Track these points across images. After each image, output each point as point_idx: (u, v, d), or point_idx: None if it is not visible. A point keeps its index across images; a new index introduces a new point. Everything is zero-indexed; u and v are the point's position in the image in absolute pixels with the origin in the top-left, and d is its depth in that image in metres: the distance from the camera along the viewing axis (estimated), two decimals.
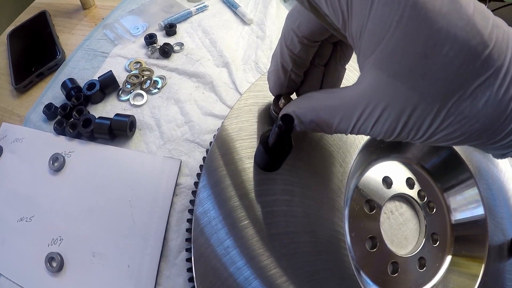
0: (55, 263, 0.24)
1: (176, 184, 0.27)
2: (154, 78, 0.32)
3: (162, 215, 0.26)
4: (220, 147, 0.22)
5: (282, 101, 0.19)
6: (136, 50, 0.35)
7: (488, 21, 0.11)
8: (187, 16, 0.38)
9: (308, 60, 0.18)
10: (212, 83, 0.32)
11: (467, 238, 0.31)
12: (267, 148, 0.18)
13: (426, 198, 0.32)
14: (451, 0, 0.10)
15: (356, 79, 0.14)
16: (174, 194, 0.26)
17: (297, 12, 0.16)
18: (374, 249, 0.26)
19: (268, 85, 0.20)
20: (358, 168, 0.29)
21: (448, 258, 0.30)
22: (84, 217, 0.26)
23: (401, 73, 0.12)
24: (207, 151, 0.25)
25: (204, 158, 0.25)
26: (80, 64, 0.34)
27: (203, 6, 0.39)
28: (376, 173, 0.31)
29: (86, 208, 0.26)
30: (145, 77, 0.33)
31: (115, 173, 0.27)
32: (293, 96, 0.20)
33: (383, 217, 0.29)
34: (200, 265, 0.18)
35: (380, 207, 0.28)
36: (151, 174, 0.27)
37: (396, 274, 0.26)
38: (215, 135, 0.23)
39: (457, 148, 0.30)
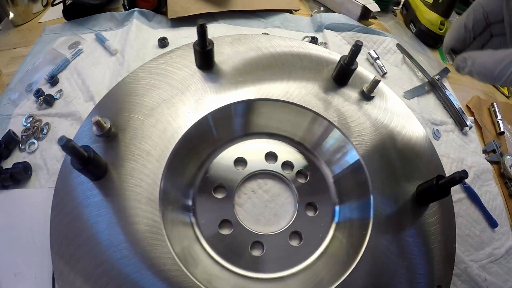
0: None
1: None
2: (41, 127, 0.41)
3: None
4: None
5: (454, 55, 0.28)
6: (30, 106, 0.44)
7: None
8: (65, 63, 0.46)
9: (478, 31, 0.28)
10: (81, 118, 0.40)
11: (350, 193, 0.33)
12: None
13: (294, 167, 0.35)
14: None
15: None
16: None
17: None
18: (230, 232, 0.31)
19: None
20: (190, 159, 0.33)
21: (333, 226, 0.32)
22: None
23: None
24: None
25: None
26: None
27: (78, 50, 0.47)
28: (227, 157, 0.35)
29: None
30: (35, 127, 0.42)
31: (16, 208, 0.37)
32: None
33: (242, 198, 0.34)
34: None
35: (232, 190, 0.33)
36: (41, 204, 0.36)
37: (262, 253, 0.30)
38: None
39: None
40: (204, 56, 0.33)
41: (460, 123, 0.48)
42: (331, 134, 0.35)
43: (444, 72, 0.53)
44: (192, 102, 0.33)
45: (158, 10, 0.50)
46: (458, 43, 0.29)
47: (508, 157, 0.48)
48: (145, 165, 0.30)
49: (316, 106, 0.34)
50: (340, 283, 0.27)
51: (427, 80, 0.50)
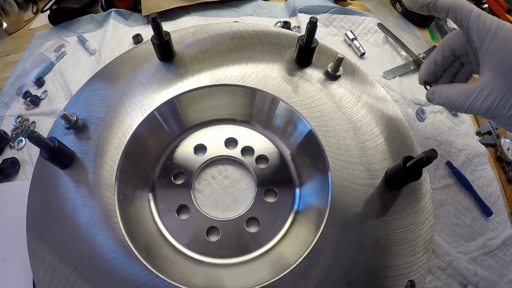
0: None
1: None
2: (28, 125, 0.45)
3: None
4: None
5: (427, 86, 0.34)
6: (19, 107, 0.48)
7: None
8: (50, 66, 0.49)
9: (448, 64, 0.34)
10: None
11: (309, 172, 0.33)
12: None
13: (254, 152, 0.36)
14: None
15: None
16: None
17: (456, 34, 0.32)
18: (186, 217, 0.32)
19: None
20: (149, 147, 0.34)
21: (292, 213, 0.32)
22: None
23: (501, 74, 0.26)
24: None
25: None
26: None
27: (61, 53, 0.50)
28: (187, 144, 0.36)
29: None
30: (23, 126, 0.45)
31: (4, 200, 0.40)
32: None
33: (202, 184, 0.35)
34: None
35: (190, 176, 0.34)
36: (26, 194, 0.39)
37: (218, 238, 0.31)
38: None
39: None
40: (162, 48, 0.35)
41: None
42: (288, 115, 0.34)
43: (432, 50, 0.50)
44: (150, 92, 0.34)
45: (135, 8, 0.52)
46: (430, 77, 0.35)
47: (507, 140, 0.44)
48: (105, 153, 0.32)
49: (273, 88, 0.33)
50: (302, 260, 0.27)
51: (411, 59, 0.48)
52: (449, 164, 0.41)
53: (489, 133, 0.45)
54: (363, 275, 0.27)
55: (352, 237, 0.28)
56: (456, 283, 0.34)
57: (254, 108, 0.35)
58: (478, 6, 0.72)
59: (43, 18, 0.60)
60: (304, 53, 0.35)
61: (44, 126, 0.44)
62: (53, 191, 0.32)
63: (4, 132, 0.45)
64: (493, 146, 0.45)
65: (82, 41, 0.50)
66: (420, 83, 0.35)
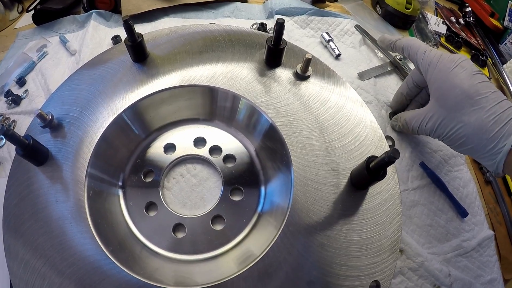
0: None
1: None
2: (8, 124, 0.47)
3: None
4: None
5: (397, 114, 0.42)
6: (1, 106, 0.50)
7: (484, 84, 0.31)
8: (32, 66, 0.52)
9: (413, 95, 0.42)
10: None
11: (273, 170, 0.35)
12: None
13: (222, 151, 0.37)
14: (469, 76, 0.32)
15: None
16: None
17: (416, 71, 0.39)
18: (154, 214, 0.34)
19: None
20: (120, 146, 0.36)
21: (256, 213, 0.34)
22: None
23: (439, 99, 0.33)
24: None
25: None
26: None
27: (43, 53, 0.52)
28: (157, 144, 0.38)
29: None
30: (4, 125, 0.47)
31: None
32: None
33: (171, 182, 0.37)
34: None
35: (159, 174, 0.36)
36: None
37: (184, 235, 0.33)
38: None
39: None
40: (135, 49, 0.37)
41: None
42: (252, 112, 0.36)
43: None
44: (122, 92, 0.36)
45: (116, 10, 0.54)
46: (399, 106, 0.43)
47: None
48: (78, 151, 0.34)
49: (240, 88, 0.35)
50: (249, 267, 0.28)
51: (388, 61, 0.50)
52: (423, 165, 0.43)
53: None
54: (325, 275, 0.28)
55: (313, 237, 0.29)
56: (429, 284, 0.36)
57: (217, 106, 0.36)
58: (461, 10, 0.74)
59: (27, 18, 0.62)
60: (273, 54, 0.36)
61: (25, 125, 0.45)
62: (28, 187, 0.33)
63: None
64: None
65: (64, 42, 0.52)
66: (389, 116, 0.44)
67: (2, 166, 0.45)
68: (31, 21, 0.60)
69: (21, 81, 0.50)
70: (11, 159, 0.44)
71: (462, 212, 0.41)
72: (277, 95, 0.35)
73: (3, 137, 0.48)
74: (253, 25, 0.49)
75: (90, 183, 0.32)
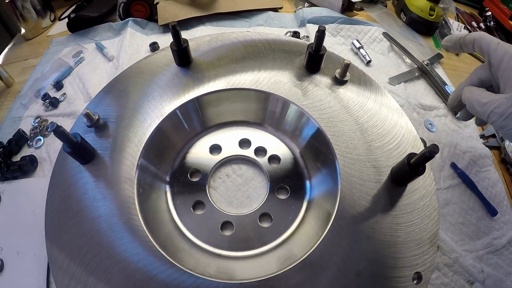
0: None
1: None
2: (47, 125, 0.51)
3: None
4: None
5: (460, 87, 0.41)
6: (38, 108, 0.54)
7: None
8: (69, 70, 0.56)
9: None
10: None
11: (316, 167, 0.37)
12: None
13: (267, 152, 0.41)
14: None
15: None
16: None
17: (482, 67, 0.39)
18: (201, 212, 0.37)
19: None
20: (167, 146, 0.40)
21: (303, 208, 0.36)
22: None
23: None
24: None
25: None
26: (7, 130, 0.54)
27: (80, 58, 0.57)
28: (203, 144, 0.41)
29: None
30: (42, 126, 0.51)
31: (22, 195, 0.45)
32: None
33: (217, 182, 0.40)
34: None
35: (207, 174, 0.39)
36: (43, 190, 0.44)
37: (232, 232, 0.36)
38: None
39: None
40: (180, 54, 0.41)
41: None
42: (300, 118, 0.39)
43: (436, 57, 0.56)
44: (169, 95, 0.40)
45: (151, 18, 0.59)
46: (457, 103, 0.41)
47: (510, 143, 0.49)
48: (126, 150, 0.37)
49: (284, 92, 0.39)
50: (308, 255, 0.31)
51: (416, 66, 0.54)
52: (453, 166, 0.46)
53: (493, 136, 0.50)
54: (372, 266, 0.31)
55: (360, 230, 0.32)
56: (463, 280, 0.38)
57: (267, 111, 0.40)
58: (481, 14, 0.79)
59: (60, 26, 0.68)
60: (313, 60, 0.41)
61: (64, 126, 0.49)
62: (73, 185, 0.36)
63: (23, 131, 0.51)
64: (498, 149, 0.50)
65: (101, 48, 0.57)
66: (449, 109, 0.45)
67: (40, 166, 0.48)
68: (64, 29, 0.65)
69: (58, 85, 0.55)
70: (50, 159, 0.48)
71: (492, 211, 0.44)
72: (319, 99, 0.39)
73: (41, 138, 0.52)
74: (286, 33, 0.54)
75: (140, 180, 0.35)
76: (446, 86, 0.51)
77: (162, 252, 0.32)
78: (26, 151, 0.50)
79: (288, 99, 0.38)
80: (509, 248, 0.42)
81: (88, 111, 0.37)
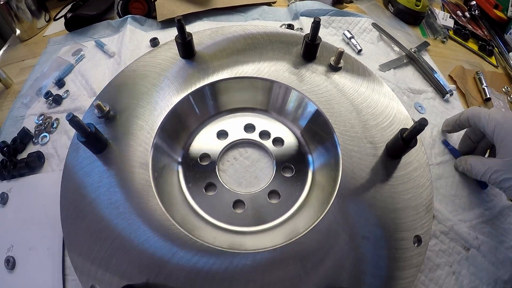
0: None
1: None
2: (52, 122, 0.52)
3: None
4: None
5: (463, 156, 0.48)
6: (41, 106, 0.56)
7: None
8: (70, 68, 0.58)
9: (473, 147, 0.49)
10: (86, 111, 0.50)
11: (318, 145, 0.41)
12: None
13: (270, 135, 0.44)
14: None
15: None
16: None
17: (470, 131, 0.47)
18: (213, 193, 0.40)
19: None
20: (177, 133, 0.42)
21: (307, 185, 0.40)
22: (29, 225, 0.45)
23: (506, 159, 0.39)
24: None
25: None
26: (9, 129, 0.56)
27: (81, 56, 0.59)
28: (211, 130, 0.44)
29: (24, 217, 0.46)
30: (46, 123, 0.53)
31: (31, 191, 0.47)
32: None
33: (225, 165, 0.43)
34: None
35: (215, 158, 0.42)
36: (53, 184, 0.46)
37: (244, 210, 0.39)
38: None
39: None
40: (185, 47, 0.44)
41: (441, 91, 0.55)
42: (301, 102, 0.43)
43: (423, 45, 0.61)
44: (176, 85, 0.43)
45: (149, 15, 0.61)
46: (466, 148, 0.49)
47: None
48: (138, 137, 0.39)
49: (284, 79, 0.42)
50: (312, 227, 0.34)
51: (404, 54, 0.58)
52: (445, 142, 0.50)
53: None
54: (376, 231, 0.34)
55: (362, 199, 0.36)
56: (459, 246, 0.42)
57: (271, 97, 0.43)
58: (466, 3, 0.84)
59: (56, 26, 0.69)
60: (310, 49, 0.44)
61: (68, 123, 0.51)
62: (87, 173, 0.38)
63: (27, 129, 0.52)
64: None
65: (101, 45, 0.59)
66: (443, 129, 0.51)
67: (48, 162, 0.50)
68: (60, 29, 0.67)
69: (60, 83, 0.56)
70: (58, 154, 0.49)
71: (482, 184, 0.48)
72: (316, 84, 0.43)
73: (47, 134, 0.53)
74: (281, 26, 0.58)
75: (154, 165, 0.38)
76: (435, 74, 0.56)
77: (181, 229, 0.34)
78: (31, 149, 0.52)
79: (289, 85, 0.41)
80: (500, 218, 0.46)
81: (99, 102, 0.40)
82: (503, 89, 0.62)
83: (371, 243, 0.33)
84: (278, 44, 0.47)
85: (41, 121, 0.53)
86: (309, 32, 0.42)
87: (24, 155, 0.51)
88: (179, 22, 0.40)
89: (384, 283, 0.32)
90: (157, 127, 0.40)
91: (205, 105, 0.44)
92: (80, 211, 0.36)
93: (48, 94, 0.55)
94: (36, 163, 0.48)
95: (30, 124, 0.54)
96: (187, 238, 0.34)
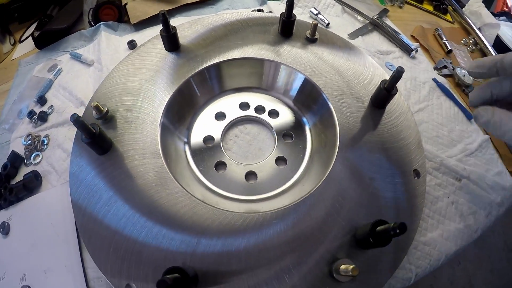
0: None
1: None
2: (41, 139, 0.52)
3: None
4: None
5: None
6: (25, 127, 0.55)
7: None
8: (50, 84, 0.58)
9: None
10: None
11: (312, 109, 0.45)
12: None
13: (265, 109, 0.48)
14: None
15: None
16: None
17: (497, 82, 0.37)
18: (224, 171, 0.43)
19: None
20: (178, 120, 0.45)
21: (308, 145, 0.44)
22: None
23: None
24: None
25: None
26: None
27: (58, 70, 0.59)
28: (208, 113, 0.47)
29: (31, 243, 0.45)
30: (35, 142, 0.53)
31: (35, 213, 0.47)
32: None
33: (229, 143, 0.46)
34: None
35: (218, 138, 0.45)
36: (57, 199, 0.46)
37: (257, 180, 0.42)
38: None
39: None
40: (170, 40, 0.46)
41: (407, 49, 0.63)
42: (290, 74, 0.47)
43: (384, 12, 0.69)
44: (169, 76, 0.45)
45: (121, 19, 0.63)
46: (479, 101, 0.39)
47: (460, 69, 0.62)
48: (143, 130, 0.41)
49: (268, 55, 0.47)
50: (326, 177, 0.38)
51: (368, 21, 0.65)
52: (435, 80, 0.58)
53: (445, 66, 0.63)
54: (379, 170, 0.39)
55: (361, 145, 0.41)
56: (452, 178, 0.48)
57: (263, 75, 0.48)
58: None
59: (23, 48, 0.68)
60: (287, 26, 0.49)
61: (60, 136, 0.51)
62: (97, 175, 0.39)
63: (17, 152, 0.52)
64: (451, 76, 0.63)
65: (77, 56, 0.59)
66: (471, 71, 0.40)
67: (46, 179, 0.50)
68: (28, 49, 0.66)
69: (42, 100, 0.56)
70: (54, 169, 0.49)
71: (468, 115, 0.56)
72: (298, 55, 0.47)
73: (39, 153, 0.53)
74: (252, 11, 0.62)
75: (165, 152, 0.40)
76: (399, 35, 0.63)
77: (205, 203, 0.36)
78: (24, 171, 0.51)
79: (277, 61, 0.46)
80: (481, 150, 0.53)
81: (97, 103, 0.41)
82: (462, 41, 0.72)
83: (378, 182, 0.39)
84: (256, 27, 0.51)
85: (29, 141, 0.53)
86: (284, 11, 0.47)
87: (18, 179, 0.51)
88: (164, 16, 0.43)
89: (398, 213, 0.37)
90: (160, 116, 0.42)
91: (205, 87, 0.47)
92: (96, 214, 0.37)
93: (31, 114, 0.55)
94: (34, 182, 0.48)
95: (18, 147, 0.53)
96: (215, 211, 0.35)
